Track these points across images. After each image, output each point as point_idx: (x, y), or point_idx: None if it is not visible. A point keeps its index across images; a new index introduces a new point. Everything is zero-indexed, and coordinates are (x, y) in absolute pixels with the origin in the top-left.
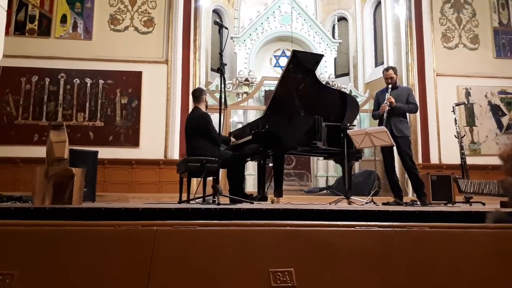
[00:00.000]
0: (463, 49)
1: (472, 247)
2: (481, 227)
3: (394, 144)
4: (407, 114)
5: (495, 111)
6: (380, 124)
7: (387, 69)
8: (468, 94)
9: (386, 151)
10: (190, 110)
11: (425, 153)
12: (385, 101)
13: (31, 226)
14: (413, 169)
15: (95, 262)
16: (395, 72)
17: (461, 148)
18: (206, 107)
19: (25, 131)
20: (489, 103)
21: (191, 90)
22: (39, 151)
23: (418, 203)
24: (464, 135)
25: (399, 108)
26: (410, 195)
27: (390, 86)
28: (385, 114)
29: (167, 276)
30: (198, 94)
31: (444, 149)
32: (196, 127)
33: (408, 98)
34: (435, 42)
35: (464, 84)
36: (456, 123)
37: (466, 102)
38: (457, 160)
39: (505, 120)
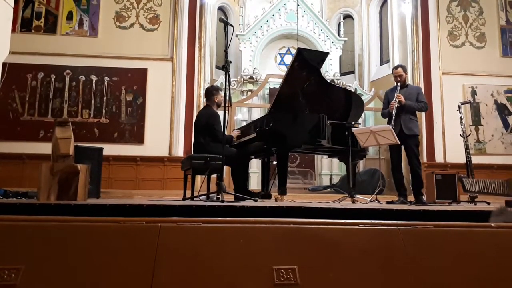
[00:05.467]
0: (469, 47)
1: (477, 246)
2: (485, 226)
3: (399, 142)
4: (417, 112)
5: (501, 110)
6: (389, 122)
7: (396, 67)
8: (474, 93)
9: (394, 149)
10: (195, 107)
11: (430, 152)
12: (394, 99)
13: (37, 222)
14: (417, 168)
15: (100, 257)
16: (404, 70)
17: (466, 147)
18: (218, 105)
19: (31, 128)
20: (495, 102)
21: (195, 87)
22: (45, 148)
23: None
24: (470, 134)
25: (409, 106)
26: None
27: (399, 84)
28: (393, 111)
29: (171, 272)
30: (208, 94)
31: (449, 148)
32: (205, 124)
33: (418, 97)
34: (441, 40)
35: (470, 83)
36: (461, 122)
37: (472, 101)
38: (462, 159)
39: (511, 120)
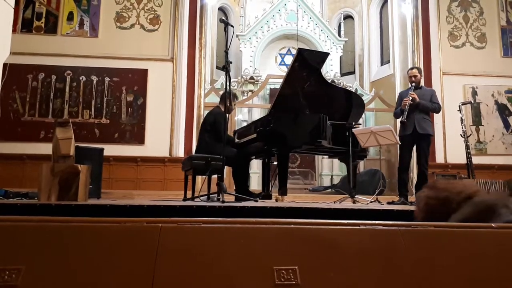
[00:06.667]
0: (470, 47)
1: (478, 246)
2: (486, 226)
3: (400, 143)
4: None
5: (502, 110)
6: (401, 122)
7: (411, 68)
8: (474, 93)
9: (407, 149)
10: (195, 107)
11: (431, 152)
12: (407, 96)
13: (37, 222)
14: (425, 169)
15: (100, 258)
16: (420, 72)
17: (467, 147)
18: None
19: (31, 128)
20: (496, 102)
21: (196, 88)
22: (45, 148)
23: None
24: (470, 134)
25: (423, 105)
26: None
27: (413, 84)
28: (406, 107)
29: (171, 272)
30: (222, 96)
31: (450, 149)
32: (213, 122)
33: (431, 98)
34: (441, 40)
35: (470, 83)
36: (462, 123)
37: (473, 101)
38: (463, 160)
39: None
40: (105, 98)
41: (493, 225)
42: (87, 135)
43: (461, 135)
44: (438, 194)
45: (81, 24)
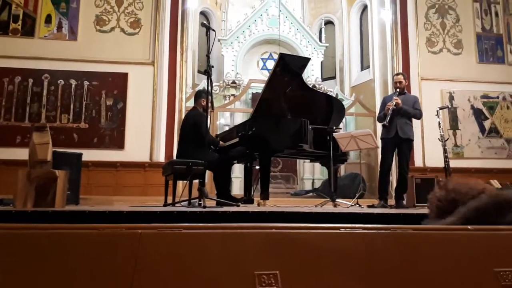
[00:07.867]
0: (447, 53)
1: (455, 249)
2: (463, 229)
3: (379, 147)
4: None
5: (478, 115)
6: (384, 125)
7: (397, 74)
8: (451, 98)
9: (389, 153)
10: (176, 112)
11: (410, 156)
12: (391, 101)
13: (12, 230)
14: (405, 174)
15: (78, 265)
16: (405, 78)
17: (445, 151)
18: (203, 109)
19: (7, 133)
20: (472, 107)
21: (177, 92)
22: (22, 153)
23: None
24: (448, 138)
25: (405, 110)
26: None
27: (397, 90)
28: (389, 112)
29: (151, 280)
30: (197, 95)
31: (428, 153)
32: (193, 124)
33: (414, 105)
34: (420, 46)
35: (448, 88)
36: (439, 127)
37: (450, 106)
38: (441, 163)
39: (487, 124)
40: (84, 102)
41: (469, 227)
42: (65, 140)
43: (439, 139)
44: (447, 196)
45: (60, 27)
